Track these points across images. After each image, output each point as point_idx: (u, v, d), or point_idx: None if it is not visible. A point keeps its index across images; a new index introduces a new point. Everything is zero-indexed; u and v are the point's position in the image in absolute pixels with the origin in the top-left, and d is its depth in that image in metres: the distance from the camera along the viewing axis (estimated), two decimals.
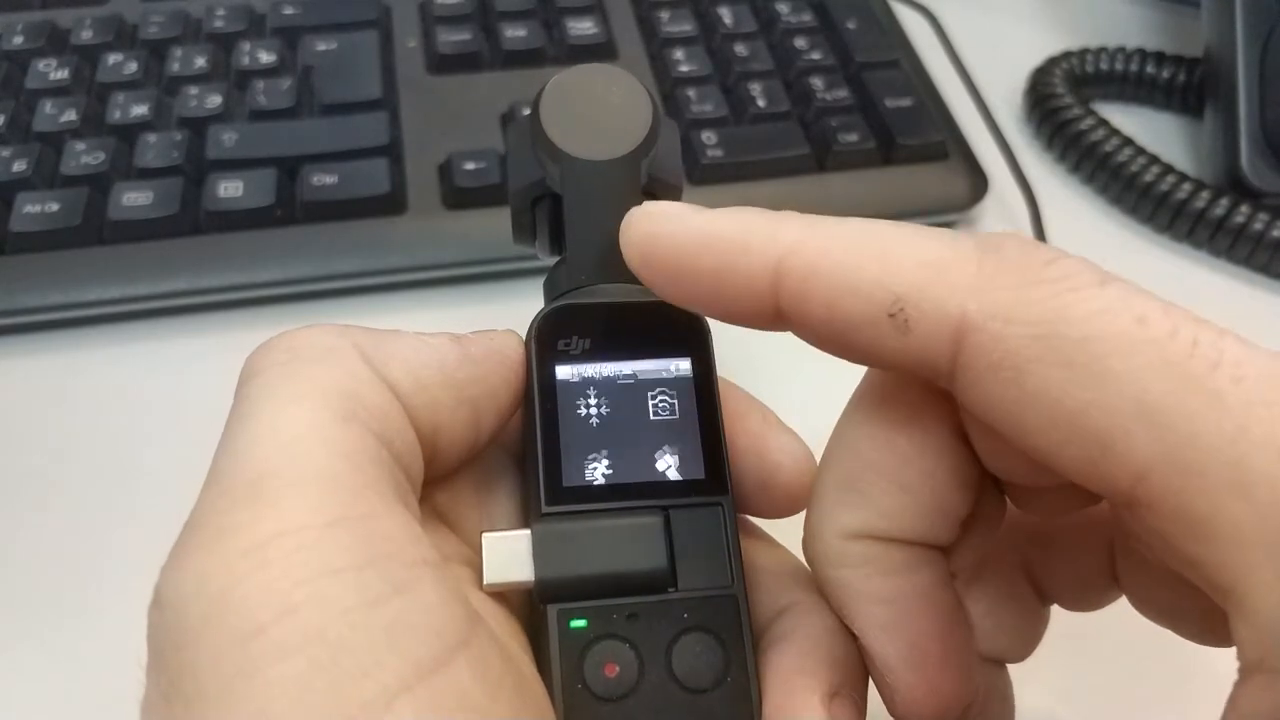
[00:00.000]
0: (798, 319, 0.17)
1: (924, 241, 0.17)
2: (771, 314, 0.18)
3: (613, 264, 0.22)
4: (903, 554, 0.19)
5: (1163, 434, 0.14)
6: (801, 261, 0.17)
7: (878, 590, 0.18)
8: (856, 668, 0.20)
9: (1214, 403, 0.13)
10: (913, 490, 0.18)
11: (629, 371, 0.21)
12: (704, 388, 0.21)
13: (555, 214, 0.23)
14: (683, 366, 0.21)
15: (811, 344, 0.18)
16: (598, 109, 0.23)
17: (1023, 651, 0.22)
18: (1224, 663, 0.15)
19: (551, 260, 0.24)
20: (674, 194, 0.24)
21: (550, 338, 0.21)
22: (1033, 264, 0.15)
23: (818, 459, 0.21)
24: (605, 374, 0.21)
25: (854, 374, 0.19)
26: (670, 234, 0.18)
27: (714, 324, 0.22)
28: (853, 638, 0.20)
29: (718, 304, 0.18)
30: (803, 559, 0.21)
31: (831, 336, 0.17)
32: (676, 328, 0.22)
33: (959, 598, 0.20)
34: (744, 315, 0.18)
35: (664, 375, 0.21)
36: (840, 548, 0.19)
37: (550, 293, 0.23)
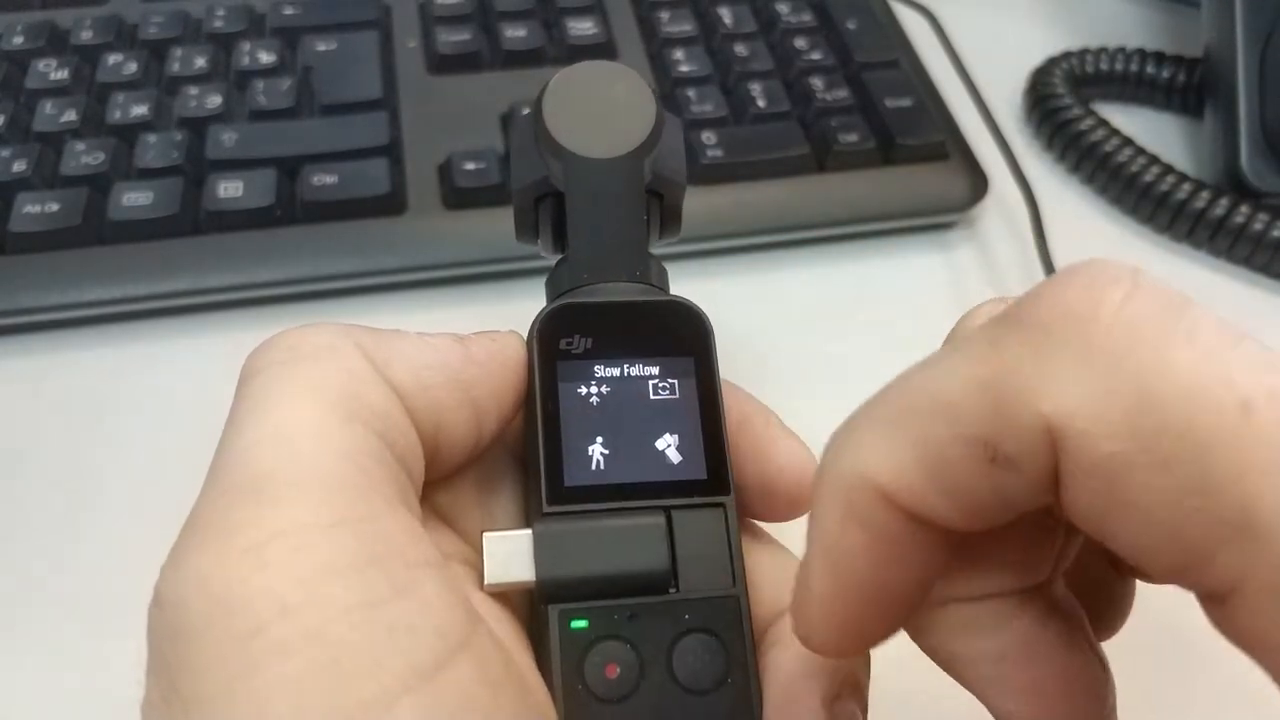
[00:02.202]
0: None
1: (964, 362, 0.14)
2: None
3: (615, 262, 0.22)
4: (999, 606, 0.17)
5: (1266, 554, 0.12)
6: (896, 478, 0.15)
7: (981, 651, 0.17)
8: (858, 671, 0.20)
9: None
10: (995, 549, 0.17)
11: (631, 371, 0.21)
12: (706, 388, 0.21)
13: (558, 212, 0.23)
14: (685, 366, 0.21)
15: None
16: (601, 106, 0.23)
17: (1110, 627, 0.20)
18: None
19: (554, 259, 0.24)
20: (678, 191, 0.24)
21: (552, 337, 0.21)
22: (1094, 328, 0.13)
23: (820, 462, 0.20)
24: (607, 373, 0.21)
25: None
26: (814, 610, 0.16)
27: (716, 326, 0.22)
28: None
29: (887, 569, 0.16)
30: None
31: (978, 515, 0.15)
32: (679, 327, 0.22)
33: (1067, 616, 0.18)
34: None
35: (666, 375, 0.21)
36: (929, 618, 0.17)
37: (552, 291, 0.23)
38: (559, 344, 0.21)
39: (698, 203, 0.40)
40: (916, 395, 0.15)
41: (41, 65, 0.41)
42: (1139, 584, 0.20)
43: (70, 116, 0.39)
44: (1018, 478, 0.14)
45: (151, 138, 0.39)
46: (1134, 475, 0.13)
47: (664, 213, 0.24)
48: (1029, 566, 0.17)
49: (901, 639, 0.17)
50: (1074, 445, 0.13)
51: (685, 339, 0.22)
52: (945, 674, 0.17)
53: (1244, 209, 0.41)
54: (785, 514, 0.22)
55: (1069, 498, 0.14)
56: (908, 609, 0.17)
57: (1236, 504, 0.12)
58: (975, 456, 0.14)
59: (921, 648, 0.18)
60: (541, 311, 0.22)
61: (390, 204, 0.38)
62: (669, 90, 0.43)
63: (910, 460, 0.15)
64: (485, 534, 0.20)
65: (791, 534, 0.22)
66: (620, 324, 0.22)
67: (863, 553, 0.15)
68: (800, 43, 0.45)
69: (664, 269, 0.23)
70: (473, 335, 0.21)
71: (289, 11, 0.44)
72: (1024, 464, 0.14)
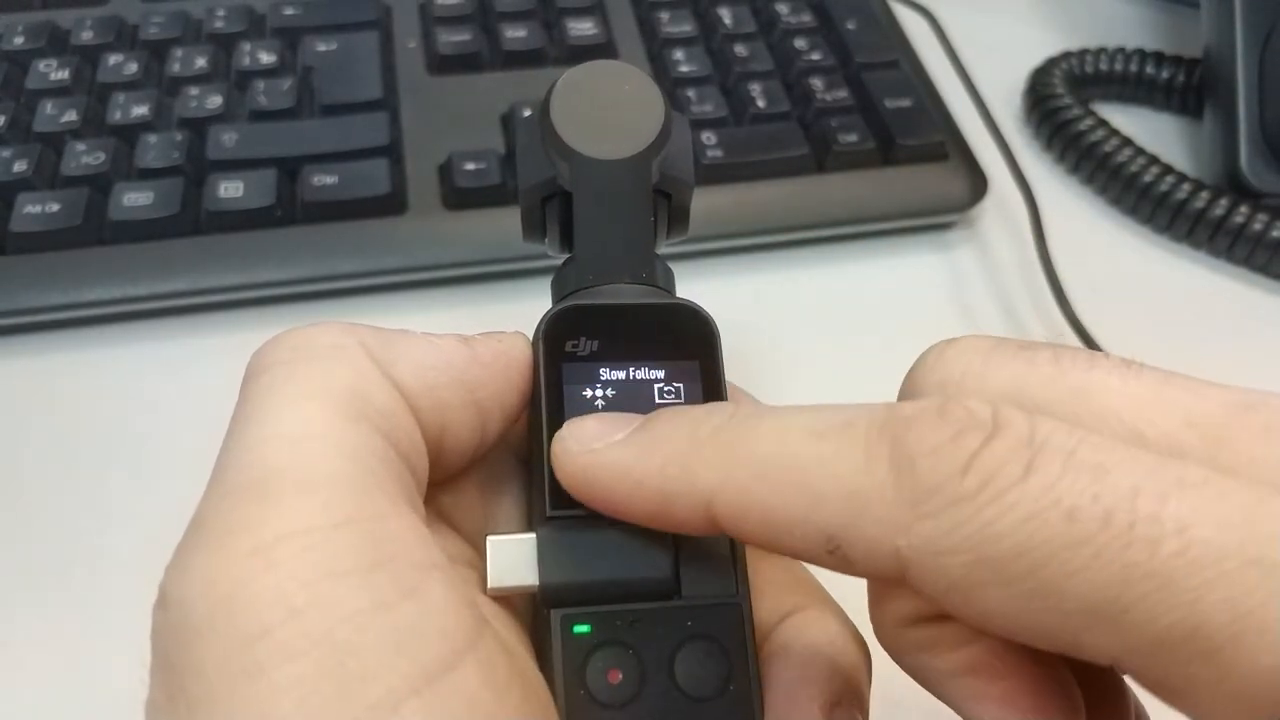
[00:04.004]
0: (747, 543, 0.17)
1: (841, 461, 0.16)
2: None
3: (622, 264, 0.22)
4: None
5: (1120, 629, 0.13)
6: (729, 506, 0.16)
7: (954, 665, 0.17)
8: (859, 677, 0.20)
9: (1163, 587, 0.13)
10: None
11: (637, 374, 0.21)
12: (712, 391, 0.21)
13: (566, 212, 0.23)
14: (691, 370, 0.21)
15: None
16: (609, 106, 0.23)
17: None
18: None
19: (561, 258, 0.24)
20: (686, 191, 0.24)
21: (558, 338, 0.21)
22: (950, 474, 0.14)
23: None
24: (613, 376, 0.21)
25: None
26: (596, 474, 0.18)
27: (724, 330, 0.22)
28: (856, 647, 0.20)
29: (665, 527, 0.18)
30: (807, 569, 0.21)
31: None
32: (686, 330, 0.22)
33: None
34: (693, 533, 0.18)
35: (672, 378, 0.21)
36: (903, 635, 0.17)
37: (558, 292, 0.23)
38: (565, 345, 0.21)
39: (697, 203, 0.39)
40: (790, 462, 0.16)
41: (42, 65, 0.41)
42: None
43: (71, 117, 0.39)
44: (848, 569, 0.16)
45: (152, 138, 0.39)
46: (986, 591, 0.14)
47: (671, 213, 0.24)
48: None
49: None
50: (926, 573, 0.15)
51: (691, 342, 0.22)
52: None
53: (1243, 209, 0.41)
54: None
55: (939, 602, 0.15)
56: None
57: (1078, 601, 0.14)
58: (816, 539, 0.16)
59: (900, 666, 0.18)
60: (547, 313, 0.21)
61: (390, 204, 0.38)
62: (669, 90, 0.43)
63: (754, 512, 0.16)
64: (488, 537, 0.19)
65: None
66: (627, 326, 0.21)
67: (653, 513, 0.18)
68: (800, 43, 0.45)
69: (670, 271, 0.23)
70: (478, 336, 0.21)
71: (289, 12, 0.44)
72: (861, 569, 0.16)
